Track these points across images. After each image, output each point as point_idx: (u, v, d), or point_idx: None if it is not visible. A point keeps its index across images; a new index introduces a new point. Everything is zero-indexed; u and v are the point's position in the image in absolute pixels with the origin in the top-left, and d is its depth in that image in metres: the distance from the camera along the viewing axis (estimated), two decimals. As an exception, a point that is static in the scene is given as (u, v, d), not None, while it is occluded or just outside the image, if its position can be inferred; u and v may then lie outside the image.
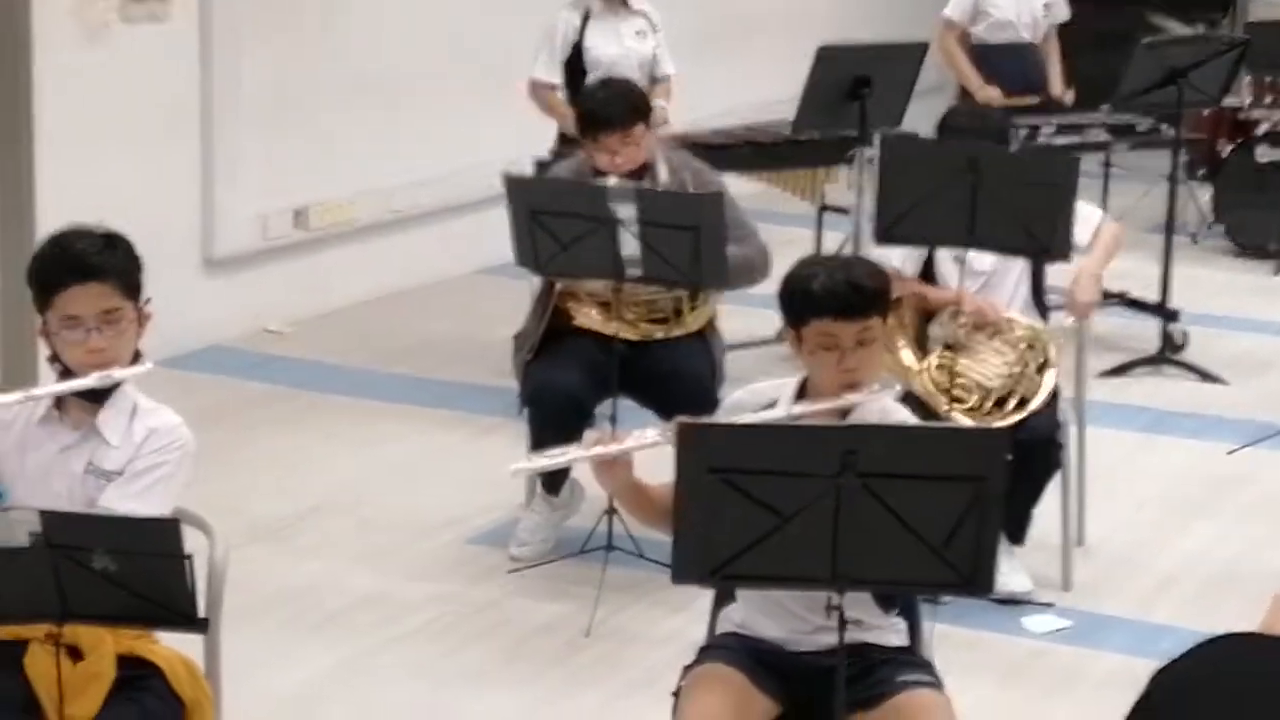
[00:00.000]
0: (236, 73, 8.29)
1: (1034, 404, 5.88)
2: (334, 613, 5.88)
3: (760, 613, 4.17)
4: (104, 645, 3.86)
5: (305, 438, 7.38)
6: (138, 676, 3.91)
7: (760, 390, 4.26)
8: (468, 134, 9.40)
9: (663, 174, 6.26)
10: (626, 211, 5.79)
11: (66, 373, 3.98)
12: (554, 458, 4.15)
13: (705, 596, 4.42)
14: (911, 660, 4.18)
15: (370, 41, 8.99)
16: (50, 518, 3.51)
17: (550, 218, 5.88)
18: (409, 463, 7.16)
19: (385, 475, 7.02)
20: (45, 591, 3.55)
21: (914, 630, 4.27)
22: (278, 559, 6.21)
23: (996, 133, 6.38)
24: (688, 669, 4.17)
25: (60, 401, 4.01)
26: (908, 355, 5.97)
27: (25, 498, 3.90)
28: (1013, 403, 5.91)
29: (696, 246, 5.80)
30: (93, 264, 3.94)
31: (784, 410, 4.12)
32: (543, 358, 6.19)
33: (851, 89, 7.83)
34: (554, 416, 5.96)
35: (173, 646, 4.00)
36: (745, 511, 3.66)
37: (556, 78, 7.83)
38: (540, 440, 5.90)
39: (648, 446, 4.03)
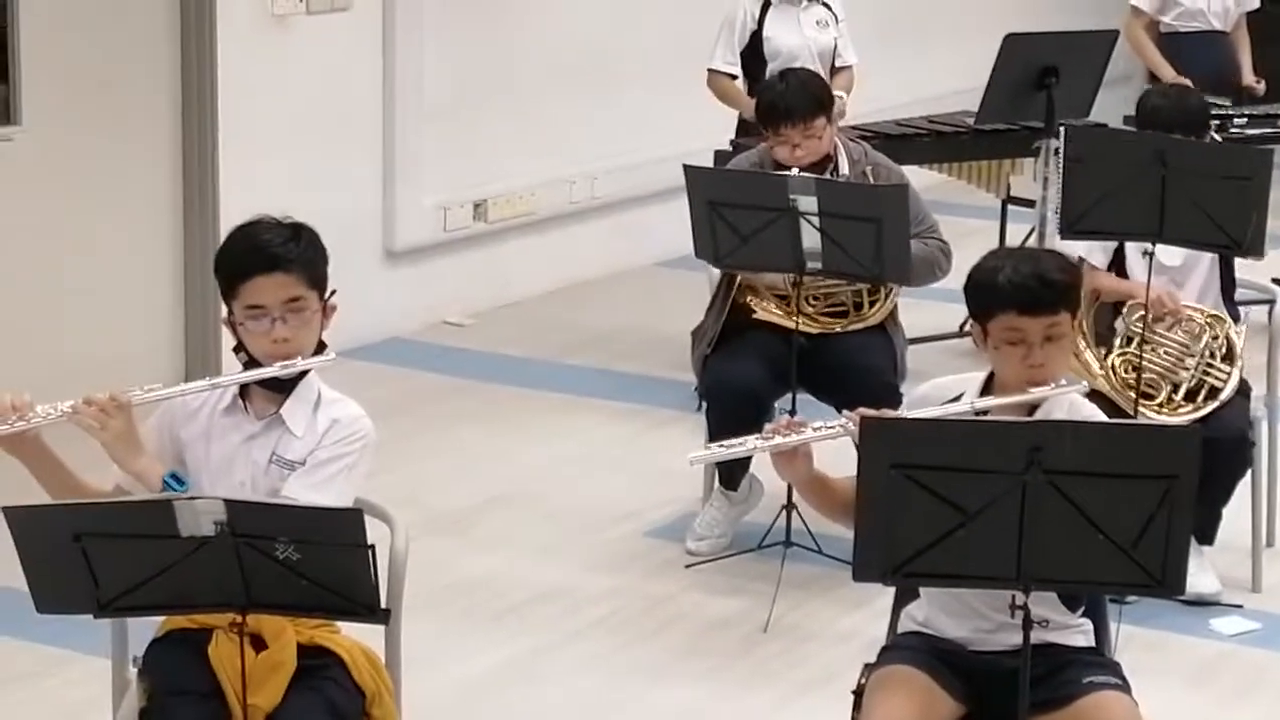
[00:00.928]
0: (418, 65, 8.33)
1: (1225, 394, 5.77)
2: (512, 604, 5.89)
3: (943, 611, 4.12)
4: (286, 635, 3.87)
5: (484, 429, 7.40)
6: (319, 666, 3.92)
7: (945, 385, 4.20)
8: (646, 126, 9.38)
9: (844, 166, 6.20)
10: (807, 203, 5.75)
11: (251, 363, 3.99)
12: (733, 447, 4.12)
13: (884, 594, 4.37)
14: (1098, 661, 4.10)
15: (548, 35, 9.00)
16: (235, 507, 3.52)
17: (730, 209, 5.84)
18: (587, 455, 7.16)
19: (563, 467, 7.02)
20: (230, 581, 3.56)
21: (1100, 631, 4.19)
22: (456, 550, 6.23)
23: (1196, 112, 6.26)
24: (869, 668, 4.13)
25: (245, 391, 4.02)
26: (1089, 357, 5.86)
27: (208, 487, 3.93)
28: (1202, 394, 5.80)
29: (879, 239, 5.74)
30: (277, 254, 3.95)
31: (968, 404, 4.06)
32: (721, 351, 6.15)
33: (1038, 79, 7.73)
34: (732, 411, 5.92)
35: (353, 636, 4.01)
36: (928, 508, 3.61)
37: (735, 67, 7.79)
38: (718, 434, 5.85)
39: (827, 437, 4.00)
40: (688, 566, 6.15)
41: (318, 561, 3.53)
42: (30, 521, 3.55)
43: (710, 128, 8.07)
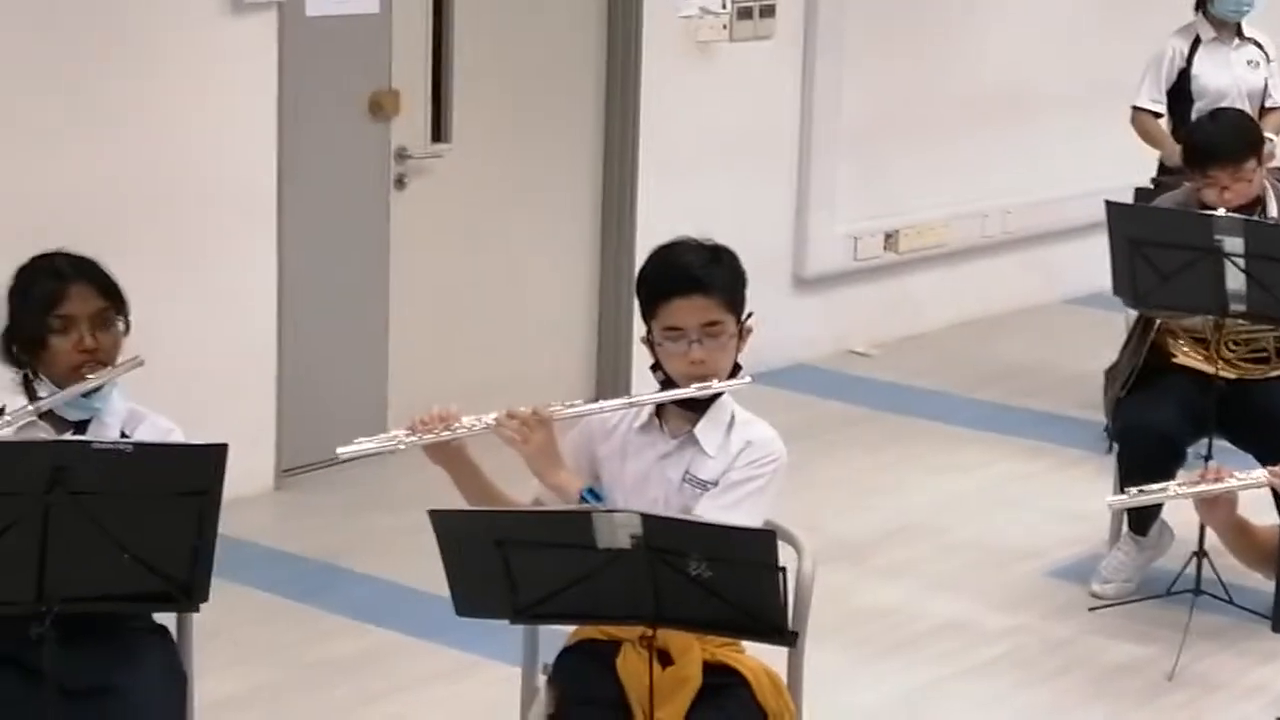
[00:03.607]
0: (836, 94, 8.36)
1: None
2: (910, 636, 5.86)
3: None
4: (693, 651, 3.91)
5: (886, 459, 7.39)
6: (724, 685, 3.94)
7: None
8: (1062, 161, 9.28)
9: (1273, 209, 6.03)
10: (1233, 244, 5.61)
11: (668, 382, 4.04)
12: (1152, 493, 4.04)
13: (1300, 648, 4.25)
14: None
15: (966, 67, 8.96)
16: (651, 522, 3.56)
17: (1152, 248, 5.74)
18: (990, 490, 7.10)
19: (966, 502, 6.97)
20: (641, 594, 3.61)
21: None
22: (856, 578, 6.23)
23: None
24: (1283, 722, 4.02)
25: (660, 410, 4.07)
26: None
27: (622, 503, 3.97)
28: None
29: (1309, 284, 5.58)
30: (698, 277, 3.99)
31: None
32: (1136, 394, 6.04)
33: None
34: (1145, 456, 5.80)
35: (757, 657, 4.03)
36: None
37: (1160, 106, 7.66)
38: (1130, 478, 5.72)
39: (1252, 486, 3.90)
40: (1091, 609, 6.05)
41: (729, 580, 3.56)
42: (455, 525, 3.66)
43: (1128, 165, 7.94)
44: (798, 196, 8.40)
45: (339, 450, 4.00)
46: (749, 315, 4.07)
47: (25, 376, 4.10)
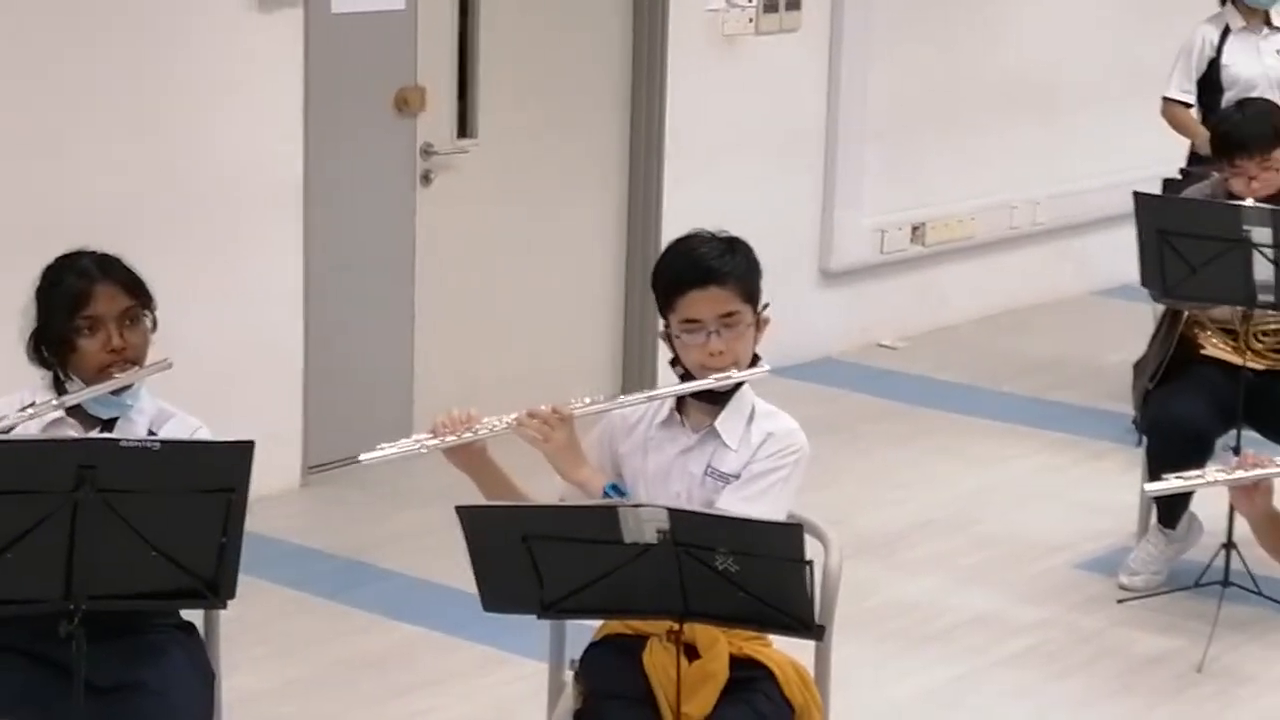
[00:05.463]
0: (862, 86, 8.35)
1: None
2: (938, 630, 5.86)
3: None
4: (719, 645, 3.91)
5: (914, 452, 7.38)
6: (750, 678, 3.94)
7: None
8: (1090, 152, 9.26)
9: (1301, 199, 6.02)
10: (1261, 235, 5.61)
11: (687, 376, 4.03)
12: (1190, 479, 4.02)
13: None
14: None
15: (993, 59, 8.94)
16: (678, 516, 3.56)
17: (1180, 239, 5.73)
18: (1018, 483, 7.09)
19: (994, 494, 6.97)
20: (669, 588, 3.60)
21: None
22: (885, 571, 6.22)
23: None
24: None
25: (681, 404, 4.07)
26: None
27: (645, 498, 3.96)
28: None
29: (1336, 276, 5.56)
30: (712, 267, 3.98)
31: None
32: (1164, 386, 6.03)
33: None
34: (1174, 448, 5.77)
35: (784, 651, 4.03)
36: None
37: (1190, 96, 7.64)
38: (1158, 471, 5.72)
39: (1293, 473, 3.88)
40: (1119, 601, 6.04)
41: (756, 574, 3.55)
42: (482, 521, 3.66)
43: (1158, 155, 7.92)
44: (824, 190, 8.39)
45: (362, 457, 3.99)
46: (766, 305, 4.05)
47: (55, 376, 4.10)
